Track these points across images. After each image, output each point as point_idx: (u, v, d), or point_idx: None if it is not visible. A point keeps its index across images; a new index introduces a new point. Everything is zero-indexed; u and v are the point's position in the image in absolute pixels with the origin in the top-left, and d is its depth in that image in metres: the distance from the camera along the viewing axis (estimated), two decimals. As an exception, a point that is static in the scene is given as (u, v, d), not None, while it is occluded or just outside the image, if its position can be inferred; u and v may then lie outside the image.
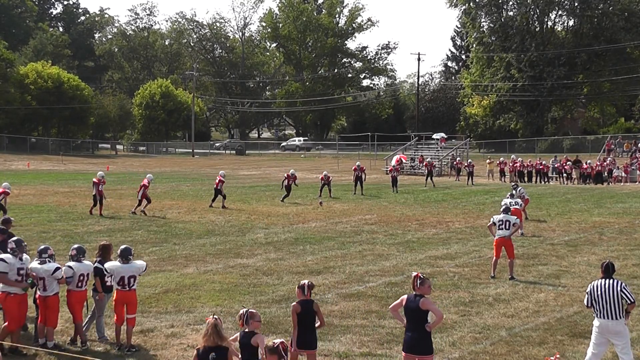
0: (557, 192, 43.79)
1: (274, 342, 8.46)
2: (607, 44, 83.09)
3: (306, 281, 10.40)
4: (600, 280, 10.78)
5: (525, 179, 52.85)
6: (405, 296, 9.83)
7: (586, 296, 10.87)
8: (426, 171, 50.04)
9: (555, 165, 54.15)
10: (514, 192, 28.09)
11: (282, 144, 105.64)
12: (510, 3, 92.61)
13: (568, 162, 53.62)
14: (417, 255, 20.99)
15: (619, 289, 10.52)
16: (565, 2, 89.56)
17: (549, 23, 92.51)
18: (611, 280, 10.67)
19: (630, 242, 23.53)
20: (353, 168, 42.39)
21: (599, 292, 10.63)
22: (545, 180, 53.02)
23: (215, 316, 8.55)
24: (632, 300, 10.54)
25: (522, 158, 55.94)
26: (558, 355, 10.76)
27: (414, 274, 9.88)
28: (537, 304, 15.20)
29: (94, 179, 30.40)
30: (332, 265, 19.41)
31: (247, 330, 8.95)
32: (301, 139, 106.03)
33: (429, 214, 31.59)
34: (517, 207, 24.70)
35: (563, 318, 14.08)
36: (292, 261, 19.94)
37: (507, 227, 17.93)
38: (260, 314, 9.35)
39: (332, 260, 20.07)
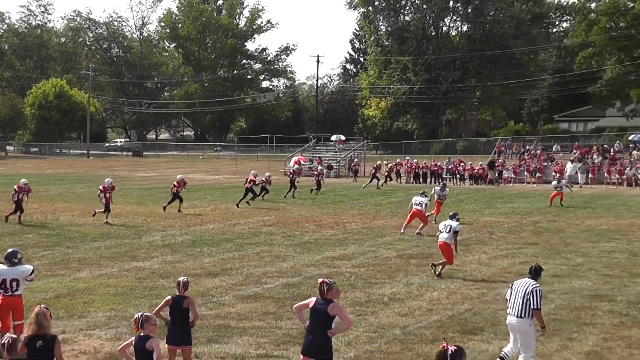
0: (451, 192, 44.69)
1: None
2: (498, 50, 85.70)
3: (183, 278, 10.47)
4: (523, 278, 11.16)
5: (421, 180, 53.92)
6: (313, 298, 9.57)
7: (508, 290, 11.21)
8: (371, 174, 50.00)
9: (449, 167, 55.47)
10: (441, 191, 29.57)
11: (105, 144, 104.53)
12: (408, 8, 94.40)
13: (461, 164, 54.99)
14: (315, 256, 21.11)
15: (529, 289, 10.75)
16: (460, 8, 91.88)
17: (444, 28, 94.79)
18: (529, 280, 10.95)
19: (518, 240, 24.29)
20: (290, 172, 43.37)
21: (513, 289, 11.01)
22: (440, 181, 54.18)
23: (42, 306, 8.56)
24: (537, 307, 10.69)
25: (417, 159, 57.04)
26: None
27: (320, 280, 9.70)
28: (430, 303, 15.51)
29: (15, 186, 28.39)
30: (230, 267, 19.32)
31: (142, 334, 8.84)
32: (122, 140, 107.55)
33: (327, 215, 31.82)
34: (419, 207, 25.60)
35: (455, 315, 14.42)
36: (189, 263, 19.75)
37: (447, 231, 18.20)
38: (155, 318, 9.25)
39: (229, 262, 19.97)
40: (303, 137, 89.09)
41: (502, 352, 11.35)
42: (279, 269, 19.19)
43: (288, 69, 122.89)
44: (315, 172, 46.74)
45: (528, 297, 10.70)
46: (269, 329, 13.43)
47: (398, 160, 57.68)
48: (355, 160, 61.92)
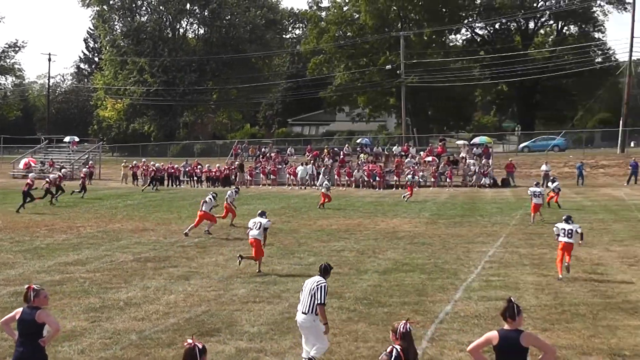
0: (188, 195, 44.82)
1: None
2: (235, 53, 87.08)
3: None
4: (314, 276, 11.31)
5: (158, 182, 53.41)
6: (20, 309, 9.05)
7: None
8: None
9: (187, 169, 55.43)
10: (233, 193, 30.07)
11: None
12: (144, 8, 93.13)
13: (199, 166, 55.20)
14: (46, 262, 20.17)
15: (315, 285, 10.98)
16: (197, 11, 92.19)
17: (181, 30, 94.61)
18: (317, 278, 11.17)
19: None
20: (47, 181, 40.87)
21: (303, 287, 11.19)
22: (177, 183, 54.01)
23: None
24: (320, 302, 10.88)
25: (154, 162, 56.42)
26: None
27: (27, 286, 9.18)
28: (167, 306, 15.39)
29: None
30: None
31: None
32: None
33: (60, 219, 30.56)
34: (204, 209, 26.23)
35: (192, 318, 14.42)
36: None
37: (257, 228, 19.12)
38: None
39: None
40: (34, 138, 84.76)
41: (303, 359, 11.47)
42: (6, 276, 18.12)
43: (17, 66, 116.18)
44: (82, 175, 45.05)
45: (313, 293, 10.95)
46: (-5, 341, 12.61)
47: (135, 162, 56.71)
48: (91, 162, 60.00)
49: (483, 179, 50.04)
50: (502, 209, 34.84)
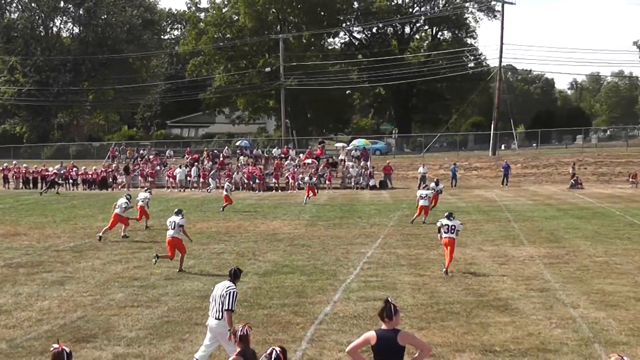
0: (64, 198, 43.53)
1: None
2: (111, 54, 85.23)
3: None
4: (224, 281, 11.23)
5: (31, 185, 51.66)
6: None
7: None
8: None
9: (62, 172, 53.78)
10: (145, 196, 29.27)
11: None
12: (14, 5, 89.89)
13: (74, 169, 53.69)
14: None
15: (225, 291, 10.86)
16: (71, 9, 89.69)
17: (55, 29, 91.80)
18: (227, 283, 11.08)
19: (132, 245, 24.30)
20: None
21: (214, 291, 11.09)
22: (52, 186, 52.31)
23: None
24: (228, 308, 10.77)
25: (27, 164, 54.51)
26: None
27: None
28: (40, 313, 14.88)
29: None
30: None
31: None
32: None
33: None
34: (118, 211, 25.72)
35: (67, 324, 13.99)
36: None
37: (173, 228, 19.38)
38: None
39: None
40: None
41: (194, 358, 11.29)
42: None
43: None
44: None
45: (222, 299, 10.86)
46: None
47: (6, 164, 54.61)
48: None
49: (370, 180, 50.85)
50: (380, 211, 35.46)
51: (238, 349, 8.16)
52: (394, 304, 8.10)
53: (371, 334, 8.06)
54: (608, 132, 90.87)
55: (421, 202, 29.97)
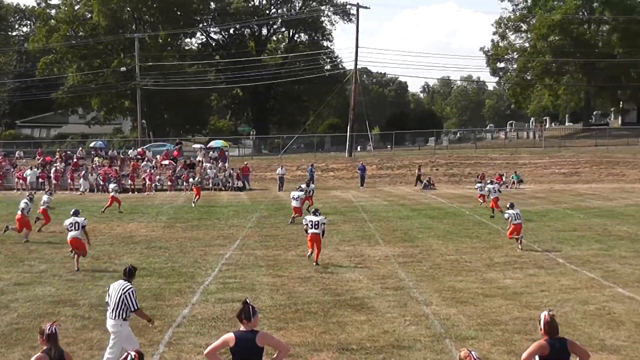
0: None
1: None
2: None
3: None
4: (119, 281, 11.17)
5: None
6: None
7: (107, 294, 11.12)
8: None
9: None
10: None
11: None
12: None
13: None
14: None
15: (122, 292, 10.81)
16: None
17: None
18: (122, 282, 11.02)
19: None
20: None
21: (110, 292, 10.95)
22: None
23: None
24: (134, 308, 10.85)
25: None
26: None
27: None
28: None
29: None
30: None
31: None
32: None
33: None
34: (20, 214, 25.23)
35: None
36: None
37: (76, 229, 19.83)
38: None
39: None
40: None
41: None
42: None
43: None
44: None
45: (122, 300, 10.75)
46: None
47: None
48: None
49: (237, 182, 50.71)
50: (239, 212, 35.45)
51: (44, 347, 7.89)
52: (252, 305, 8.13)
53: (230, 336, 8.06)
54: (458, 135, 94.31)
55: (293, 203, 30.47)
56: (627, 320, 14.08)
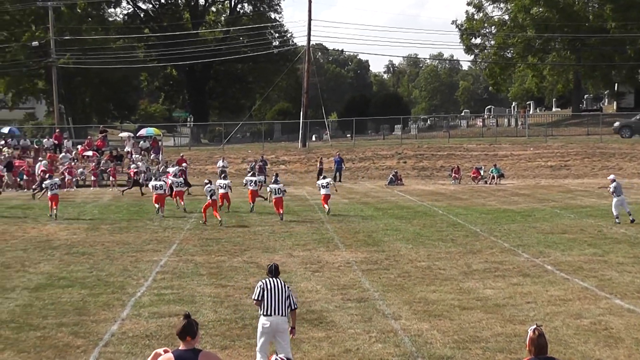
0: None
1: None
2: None
3: None
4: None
5: None
6: None
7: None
8: None
9: None
10: None
11: None
12: None
13: None
14: None
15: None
16: None
17: None
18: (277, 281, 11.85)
19: None
20: None
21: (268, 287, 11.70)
22: None
23: None
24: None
25: None
26: None
27: None
28: None
29: None
30: None
31: None
32: None
33: None
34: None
35: None
36: None
37: None
38: None
39: None
40: None
41: None
42: None
43: None
44: None
45: (289, 296, 11.81)
46: None
47: None
48: None
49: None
50: (174, 212, 35.27)
51: None
52: (194, 320, 8.12)
53: (168, 356, 8.02)
54: (428, 122, 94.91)
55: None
56: (626, 337, 14.20)
